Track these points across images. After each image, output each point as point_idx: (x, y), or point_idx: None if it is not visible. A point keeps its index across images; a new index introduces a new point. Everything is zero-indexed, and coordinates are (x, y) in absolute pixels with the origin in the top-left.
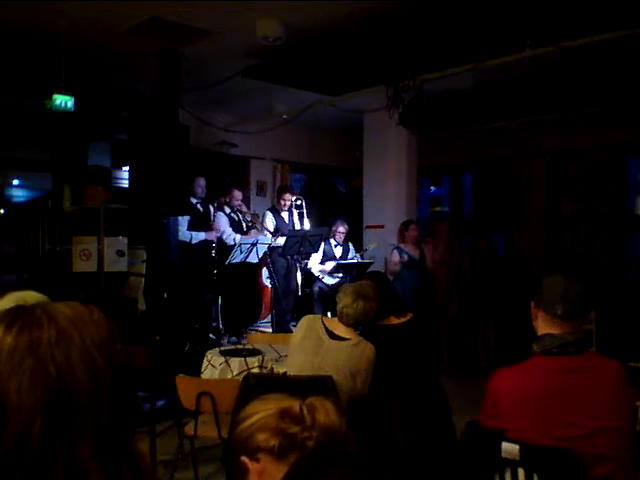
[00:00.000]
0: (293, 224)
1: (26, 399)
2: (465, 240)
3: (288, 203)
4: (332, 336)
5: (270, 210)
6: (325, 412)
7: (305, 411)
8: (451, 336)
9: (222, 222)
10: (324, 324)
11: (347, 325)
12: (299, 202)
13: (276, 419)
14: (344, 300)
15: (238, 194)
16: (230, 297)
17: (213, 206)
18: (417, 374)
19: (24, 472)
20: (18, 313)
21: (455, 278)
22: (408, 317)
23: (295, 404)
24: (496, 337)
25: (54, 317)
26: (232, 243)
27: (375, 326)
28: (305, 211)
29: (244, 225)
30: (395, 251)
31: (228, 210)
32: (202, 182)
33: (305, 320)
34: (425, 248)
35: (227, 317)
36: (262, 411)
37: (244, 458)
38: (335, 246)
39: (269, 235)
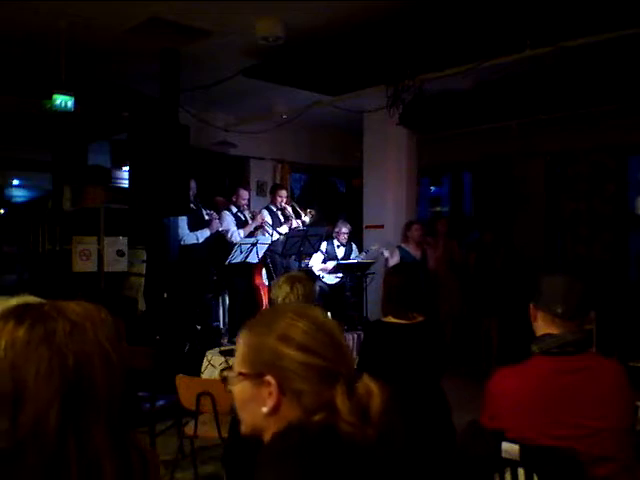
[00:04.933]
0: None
1: (43, 386)
2: (466, 239)
3: (284, 200)
4: None
5: (266, 208)
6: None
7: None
8: (454, 336)
9: (228, 221)
10: None
11: None
12: (290, 209)
13: None
14: (282, 291)
15: (244, 193)
16: (231, 297)
17: (201, 205)
18: (420, 376)
19: (38, 458)
20: (26, 309)
21: (458, 277)
22: (421, 318)
23: None
24: (499, 339)
25: (64, 312)
26: (239, 239)
27: (386, 323)
28: (299, 211)
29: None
30: (396, 251)
31: (235, 209)
32: (192, 184)
33: None
34: (428, 249)
35: (230, 317)
36: None
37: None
38: (338, 247)
39: (275, 234)
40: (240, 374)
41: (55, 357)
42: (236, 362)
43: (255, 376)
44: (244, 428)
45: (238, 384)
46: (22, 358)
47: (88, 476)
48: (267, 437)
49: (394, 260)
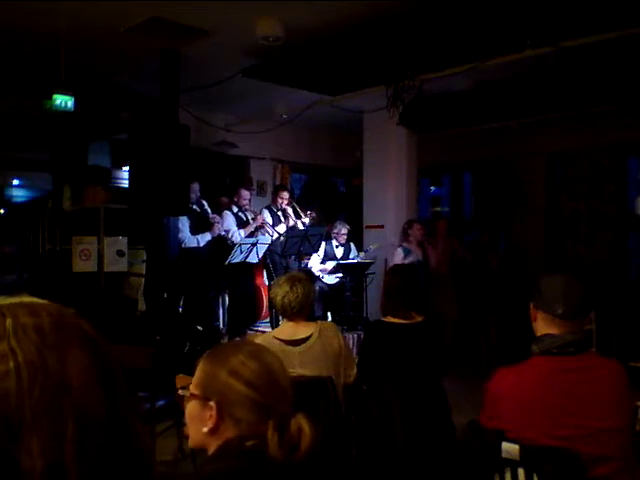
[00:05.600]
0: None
1: (86, 367)
2: (466, 238)
3: (285, 201)
4: (293, 343)
5: (267, 208)
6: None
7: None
8: (453, 336)
9: (229, 221)
10: (278, 339)
11: (295, 316)
12: (291, 210)
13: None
14: (282, 290)
15: (246, 193)
16: (232, 297)
17: (205, 204)
18: (420, 376)
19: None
20: (35, 302)
21: (456, 277)
22: (420, 318)
23: None
24: (498, 338)
25: (44, 305)
26: (239, 239)
27: (386, 323)
28: (300, 212)
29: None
30: (399, 250)
31: (235, 209)
32: (196, 187)
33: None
34: (428, 249)
35: (230, 317)
36: None
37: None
38: (336, 247)
39: (275, 234)
40: (192, 394)
41: (85, 343)
42: (192, 383)
43: (203, 399)
44: (190, 442)
45: (189, 402)
46: (56, 347)
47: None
48: (210, 452)
49: (397, 259)
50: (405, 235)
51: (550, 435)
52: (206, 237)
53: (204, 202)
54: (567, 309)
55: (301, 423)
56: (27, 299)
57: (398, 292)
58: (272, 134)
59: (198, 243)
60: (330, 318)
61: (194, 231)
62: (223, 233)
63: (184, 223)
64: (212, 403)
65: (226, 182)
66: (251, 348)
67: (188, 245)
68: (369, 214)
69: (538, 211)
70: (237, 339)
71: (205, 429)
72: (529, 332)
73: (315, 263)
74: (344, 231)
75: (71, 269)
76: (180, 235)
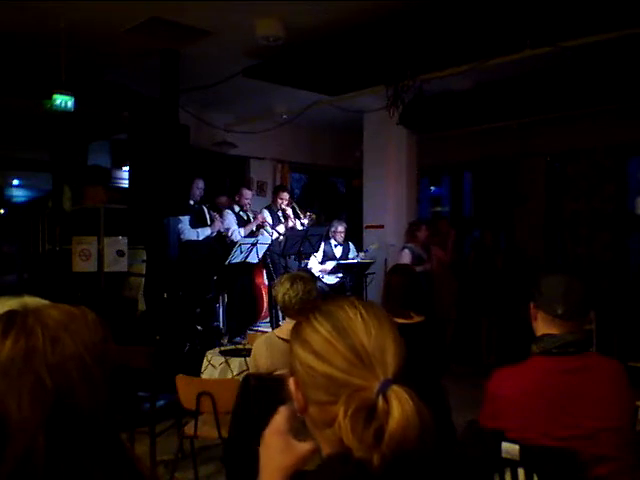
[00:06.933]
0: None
1: (28, 417)
2: (467, 238)
3: (285, 202)
4: None
5: (267, 208)
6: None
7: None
8: (454, 336)
9: (230, 220)
10: (280, 337)
11: (298, 315)
12: (290, 210)
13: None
14: (282, 288)
15: (248, 193)
16: (231, 297)
17: (206, 206)
18: (420, 376)
19: None
20: (12, 318)
21: (456, 276)
22: (420, 318)
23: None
24: (499, 337)
25: (45, 323)
26: (239, 238)
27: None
28: (299, 212)
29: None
30: (406, 250)
31: (237, 209)
32: (201, 184)
33: (261, 343)
34: (433, 250)
35: (229, 317)
36: None
37: None
38: (335, 246)
39: (275, 233)
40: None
41: (36, 384)
42: None
43: (290, 374)
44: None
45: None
46: (3, 386)
47: None
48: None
49: (405, 260)
50: (412, 237)
51: (550, 435)
52: (205, 231)
53: (204, 207)
54: (567, 309)
55: (391, 399)
56: (30, 299)
57: (398, 292)
58: (272, 134)
59: (197, 236)
60: None
61: (194, 226)
62: (223, 230)
63: (185, 219)
64: (292, 379)
65: (226, 182)
66: (328, 306)
67: (187, 237)
68: (369, 214)
69: (538, 211)
70: (238, 338)
71: (296, 410)
72: (529, 332)
73: (314, 264)
74: (341, 229)
75: (71, 269)
76: (180, 226)
